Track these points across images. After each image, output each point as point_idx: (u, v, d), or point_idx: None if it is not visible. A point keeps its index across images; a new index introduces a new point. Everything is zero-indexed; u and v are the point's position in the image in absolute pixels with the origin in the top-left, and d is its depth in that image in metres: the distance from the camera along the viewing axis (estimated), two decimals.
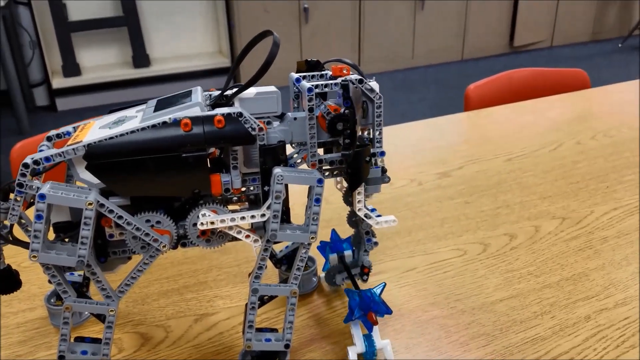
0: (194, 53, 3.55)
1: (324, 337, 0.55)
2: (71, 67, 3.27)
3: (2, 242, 0.48)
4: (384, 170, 0.50)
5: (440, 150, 0.96)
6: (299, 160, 0.50)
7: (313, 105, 0.47)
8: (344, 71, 0.50)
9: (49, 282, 0.56)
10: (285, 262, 0.61)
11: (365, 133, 0.50)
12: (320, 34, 3.44)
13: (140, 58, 3.35)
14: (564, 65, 3.42)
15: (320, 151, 0.50)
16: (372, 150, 0.49)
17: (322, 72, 0.52)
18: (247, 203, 0.52)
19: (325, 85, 0.48)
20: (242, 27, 3.30)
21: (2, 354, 0.55)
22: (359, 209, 0.50)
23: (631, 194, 0.81)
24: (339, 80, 0.48)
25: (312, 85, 0.46)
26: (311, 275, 0.63)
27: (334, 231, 0.59)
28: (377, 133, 0.49)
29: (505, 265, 0.66)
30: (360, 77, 0.48)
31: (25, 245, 0.47)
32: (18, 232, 0.48)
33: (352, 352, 0.50)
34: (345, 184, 0.53)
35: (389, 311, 0.51)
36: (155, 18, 3.39)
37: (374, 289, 0.52)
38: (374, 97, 0.48)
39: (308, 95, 0.46)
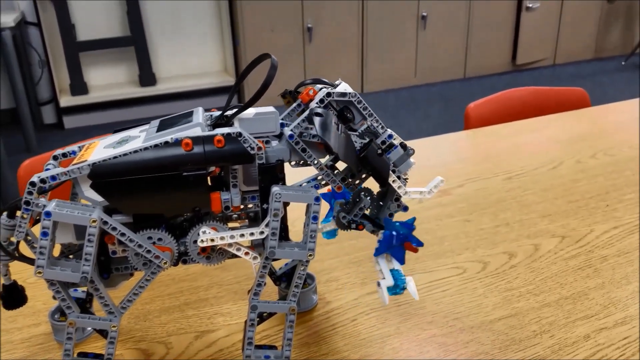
0: (200, 72, 3.60)
1: (323, 355, 0.56)
2: (79, 86, 3.32)
3: (9, 258, 0.49)
4: (403, 146, 0.51)
5: (440, 169, 0.97)
6: (323, 183, 0.51)
7: (303, 146, 0.48)
8: (311, 92, 0.51)
9: (54, 298, 0.57)
10: (284, 279, 0.62)
11: (367, 123, 0.51)
12: (324, 53, 3.48)
13: (147, 77, 3.40)
14: (567, 84, 3.44)
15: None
16: (379, 139, 0.50)
17: (298, 102, 0.52)
18: (247, 221, 0.53)
19: (304, 123, 0.48)
20: (247, 46, 3.35)
21: None
22: (405, 193, 0.51)
23: (631, 212, 0.81)
24: (309, 111, 0.48)
25: (291, 132, 0.48)
26: (310, 293, 0.63)
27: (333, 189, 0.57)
28: (374, 122, 0.50)
29: (504, 283, 0.67)
30: (326, 91, 0.49)
31: (30, 261, 0.48)
32: (24, 249, 0.49)
33: (384, 285, 0.50)
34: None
35: (420, 243, 0.51)
36: (162, 38, 3.45)
37: (408, 221, 0.52)
38: (349, 99, 0.49)
39: (292, 141, 0.47)
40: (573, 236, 0.76)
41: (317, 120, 0.47)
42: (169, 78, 3.52)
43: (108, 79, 3.46)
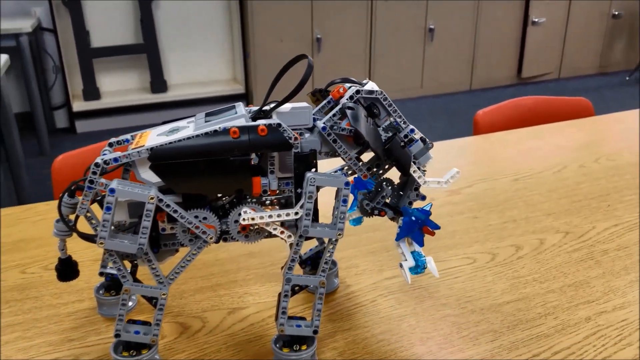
0: (210, 80, 3.67)
1: (346, 330, 0.61)
2: (91, 91, 3.39)
3: (68, 233, 0.55)
4: (423, 140, 0.56)
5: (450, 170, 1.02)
6: (349, 172, 0.56)
7: (334, 138, 0.54)
8: (341, 90, 0.56)
9: (100, 274, 0.63)
10: (309, 262, 0.67)
11: (391, 119, 0.56)
12: (332, 63, 3.55)
13: (158, 84, 3.48)
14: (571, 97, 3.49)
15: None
16: (402, 133, 0.55)
17: (328, 98, 0.58)
18: (277, 207, 0.59)
19: (335, 117, 0.54)
20: (256, 56, 3.43)
21: (56, 337, 0.61)
22: (424, 183, 0.56)
23: (631, 212, 0.87)
24: (341, 106, 0.54)
25: (324, 124, 0.53)
26: (332, 276, 0.68)
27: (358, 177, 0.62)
28: (397, 118, 0.55)
29: (512, 272, 0.72)
30: (356, 88, 0.55)
31: (87, 236, 0.53)
32: (83, 227, 0.55)
33: (406, 266, 0.55)
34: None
35: (437, 226, 0.56)
36: (173, 46, 3.53)
37: (425, 207, 0.57)
38: (375, 96, 0.55)
39: (324, 133, 0.53)
40: (576, 232, 0.81)
41: (349, 112, 0.52)
42: (180, 85, 3.60)
43: (120, 85, 3.54)
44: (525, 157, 1.09)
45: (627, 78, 4.16)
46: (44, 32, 3.33)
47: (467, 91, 3.95)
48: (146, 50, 3.41)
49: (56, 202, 0.92)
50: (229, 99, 3.53)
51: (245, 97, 3.56)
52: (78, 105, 3.36)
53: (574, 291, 0.68)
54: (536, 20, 3.90)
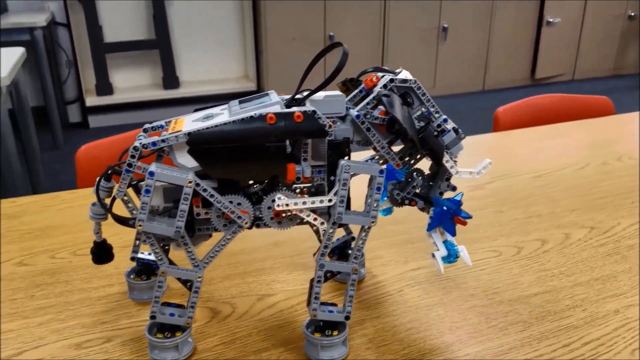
0: (222, 77, 3.69)
1: (375, 318, 0.61)
2: (104, 86, 3.41)
3: (104, 216, 0.55)
4: (456, 130, 0.56)
5: (471, 166, 1.02)
6: (380, 162, 0.56)
7: (367, 126, 0.54)
8: (374, 79, 0.57)
9: (131, 259, 0.63)
10: (337, 252, 0.68)
11: (424, 109, 0.56)
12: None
13: (170, 80, 3.50)
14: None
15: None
16: (435, 122, 0.55)
17: (360, 87, 0.58)
18: (306, 196, 0.59)
19: (368, 105, 0.54)
20: (269, 53, 3.44)
21: (88, 319, 0.61)
22: (456, 172, 0.56)
23: None
24: (375, 94, 0.54)
25: (358, 113, 0.54)
26: (359, 266, 0.69)
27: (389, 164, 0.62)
28: (431, 107, 0.56)
29: (538, 265, 0.72)
30: (390, 77, 0.55)
31: (122, 220, 0.54)
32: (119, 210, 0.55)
33: (438, 256, 0.56)
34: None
35: (469, 215, 0.57)
36: (186, 42, 3.54)
37: (455, 197, 0.57)
38: (409, 84, 0.55)
39: (358, 121, 0.53)
40: (601, 228, 0.81)
41: (385, 100, 0.53)
42: (192, 82, 3.62)
43: (133, 81, 3.56)
44: (547, 154, 1.09)
45: None
46: (57, 26, 3.35)
47: (480, 92, 3.93)
48: (159, 46, 3.42)
49: (81, 191, 0.93)
50: (241, 96, 3.52)
51: None
52: (91, 100, 3.38)
53: (602, 285, 0.68)
54: (551, 20, 3.88)
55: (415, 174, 0.59)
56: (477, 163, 0.58)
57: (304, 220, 0.55)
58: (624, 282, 0.68)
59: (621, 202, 0.89)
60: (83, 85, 3.39)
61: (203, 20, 3.52)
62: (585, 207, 0.87)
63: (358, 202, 0.58)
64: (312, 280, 0.55)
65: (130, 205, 0.56)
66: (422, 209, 0.60)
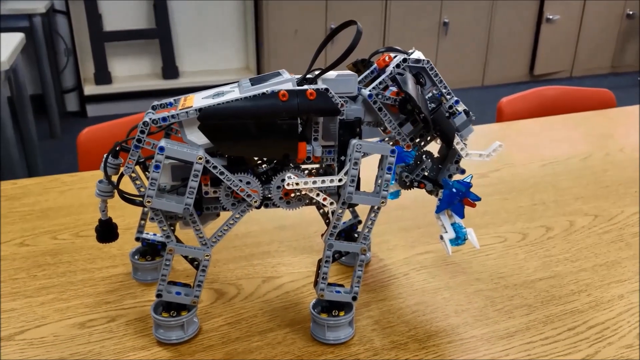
0: (222, 68, 3.67)
1: (381, 300, 0.61)
2: (103, 75, 3.39)
3: (110, 194, 0.55)
4: (467, 113, 0.56)
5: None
6: (390, 143, 0.56)
7: (380, 106, 0.53)
8: (387, 59, 0.56)
9: (136, 239, 0.63)
10: (343, 235, 0.67)
11: (434, 91, 0.56)
12: (341, 47, 3.53)
13: (170, 70, 3.48)
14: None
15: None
16: (447, 104, 0.55)
17: (372, 68, 0.58)
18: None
19: (381, 85, 0.54)
20: (270, 45, 3.42)
21: (92, 299, 0.61)
22: (466, 155, 0.56)
23: None
24: (388, 73, 0.54)
25: (370, 92, 0.53)
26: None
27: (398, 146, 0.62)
28: (443, 88, 0.55)
29: (543, 251, 0.72)
30: (402, 56, 0.54)
31: (128, 198, 0.54)
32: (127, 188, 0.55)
33: (446, 238, 0.55)
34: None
35: (478, 198, 0.56)
36: (186, 32, 3.52)
37: (466, 179, 0.57)
38: (422, 65, 0.55)
39: (370, 101, 0.53)
40: (605, 215, 0.81)
41: (399, 78, 0.52)
42: (192, 72, 3.60)
43: (132, 70, 3.54)
44: (551, 144, 1.09)
45: (639, 79, 4.13)
46: (56, 14, 3.32)
47: (480, 87, 3.93)
48: (159, 35, 3.40)
49: (82, 174, 0.93)
50: None
51: None
52: (89, 89, 3.36)
53: (606, 270, 0.68)
54: (551, 17, 3.88)
55: (424, 156, 0.59)
56: (484, 152, 0.58)
57: (313, 201, 0.55)
58: (629, 269, 0.68)
59: (625, 192, 0.89)
60: (81, 74, 3.37)
61: (204, 10, 3.50)
62: (589, 195, 0.87)
63: (366, 185, 0.58)
64: (319, 261, 0.55)
65: (138, 182, 0.56)
66: (430, 192, 0.60)
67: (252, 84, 0.53)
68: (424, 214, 0.80)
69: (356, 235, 0.68)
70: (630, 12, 4.10)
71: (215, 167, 0.50)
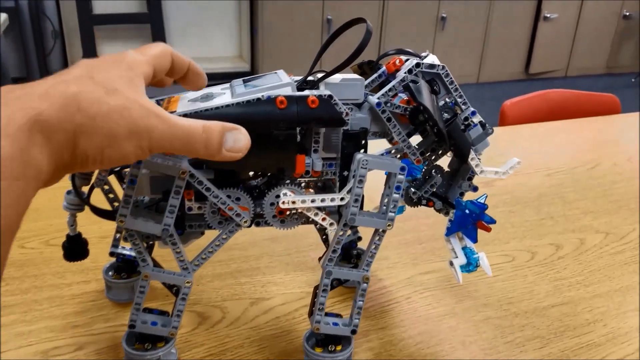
0: (215, 56, 3.57)
1: (381, 329, 0.56)
2: None
3: (79, 208, 0.48)
4: (483, 125, 0.50)
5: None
6: (398, 156, 0.50)
7: (389, 115, 0.47)
8: (397, 63, 0.50)
9: (110, 254, 0.56)
10: (341, 252, 0.61)
11: (447, 99, 0.50)
12: (342, 46, 3.46)
13: None
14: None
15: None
16: (463, 115, 0.49)
17: (380, 72, 0.51)
18: (312, 190, 0.53)
19: (390, 92, 0.48)
20: (264, 34, 3.34)
21: (58, 322, 0.55)
22: (481, 172, 0.50)
23: None
24: (400, 80, 0.47)
25: (379, 100, 0.47)
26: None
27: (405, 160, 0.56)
28: (458, 97, 0.49)
29: (553, 273, 0.67)
30: (415, 61, 0.48)
31: (102, 213, 0.47)
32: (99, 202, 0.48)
33: (457, 264, 0.50)
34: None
35: (493, 220, 0.51)
36: (179, 18, 3.42)
37: (479, 199, 0.51)
38: (437, 70, 0.49)
39: (379, 109, 0.47)
40: (617, 233, 0.76)
41: (413, 87, 0.46)
42: None
43: None
44: (557, 151, 1.04)
45: (633, 80, 4.11)
46: None
47: (475, 84, 3.88)
48: (150, 20, 3.30)
49: None
50: (234, 76, 3.41)
51: (251, 75, 3.47)
52: None
53: (622, 297, 0.63)
54: (548, 15, 3.83)
55: (434, 171, 0.53)
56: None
57: (310, 220, 0.49)
58: None
59: (635, 207, 0.84)
60: (69, 58, 3.27)
61: None
62: (599, 210, 0.82)
63: (367, 199, 0.52)
64: (316, 288, 0.49)
65: (111, 195, 0.49)
66: (439, 211, 0.54)
67: (246, 86, 0.47)
68: (426, 227, 0.74)
69: (355, 252, 0.62)
70: (627, 13, 4.07)
71: (201, 183, 0.44)
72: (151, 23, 3.30)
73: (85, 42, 3.23)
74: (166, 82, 0.45)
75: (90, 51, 3.25)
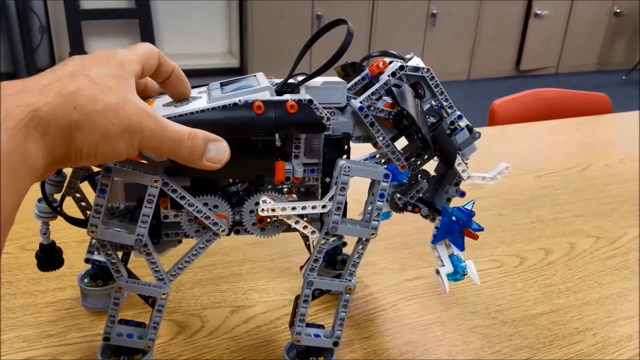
0: (204, 52, 3.54)
1: (366, 338, 0.54)
2: (79, 55, 3.24)
3: (52, 216, 0.46)
4: (470, 129, 0.49)
5: (471, 162, 0.96)
6: (382, 161, 0.48)
7: (371, 120, 0.46)
8: (381, 65, 0.48)
9: (86, 261, 0.54)
10: (325, 258, 0.60)
11: (433, 102, 0.49)
12: (331, 43, 3.44)
13: None
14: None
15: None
16: (449, 119, 0.48)
17: (363, 74, 0.50)
18: (294, 195, 0.51)
19: (374, 96, 0.46)
20: (254, 30, 3.31)
21: (32, 331, 0.53)
22: (467, 177, 0.49)
23: None
24: (383, 83, 0.46)
25: (361, 104, 0.45)
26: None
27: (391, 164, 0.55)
28: (443, 100, 0.48)
29: (542, 279, 0.65)
30: (399, 64, 0.46)
31: (73, 221, 0.45)
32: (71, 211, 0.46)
33: (443, 272, 0.49)
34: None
35: (480, 228, 0.50)
36: (168, 13, 3.39)
37: (466, 205, 0.50)
38: (421, 74, 0.47)
39: (361, 114, 0.45)
40: (608, 237, 0.75)
41: (396, 91, 0.44)
42: (172, 55, 3.46)
43: None
44: (547, 152, 1.03)
45: (624, 77, 4.12)
46: None
47: (466, 80, 3.88)
48: (138, 15, 3.27)
49: None
50: (223, 73, 3.41)
51: (240, 72, 3.44)
52: None
53: (612, 305, 0.62)
54: (539, 12, 3.83)
55: (420, 176, 0.52)
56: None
57: (292, 227, 0.47)
58: (635, 302, 0.62)
59: (628, 209, 0.83)
60: (56, 53, 3.22)
61: None
62: (591, 213, 0.81)
63: (353, 207, 0.50)
64: (297, 298, 0.47)
65: (83, 204, 0.47)
66: (425, 217, 0.53)
67: (223, 90, 0.45)
68: (414, 231, 0.73)
69: (340, 258, 0.60)
70: (618, 10, 4.08)
71: (175, 191, 0.42)
72: (139, 18, 3.27)
73: (72, 38, 3.19)
74: (152, 92, 0.44)
75: (77, 46, 3.21)
